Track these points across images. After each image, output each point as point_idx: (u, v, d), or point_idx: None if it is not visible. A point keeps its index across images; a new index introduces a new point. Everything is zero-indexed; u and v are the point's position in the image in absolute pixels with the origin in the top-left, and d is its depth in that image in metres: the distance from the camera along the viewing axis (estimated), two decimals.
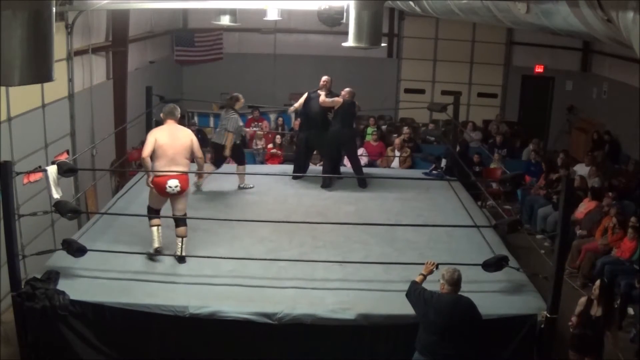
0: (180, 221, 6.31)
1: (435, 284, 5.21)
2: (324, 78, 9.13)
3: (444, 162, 10.21)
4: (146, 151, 6.23)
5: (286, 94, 15.08)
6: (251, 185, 8.77)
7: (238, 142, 8.91)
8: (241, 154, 8.99)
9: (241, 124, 8.90)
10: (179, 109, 6.58)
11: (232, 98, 8.68)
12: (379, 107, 15.31)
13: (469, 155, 12.24)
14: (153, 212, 6.49)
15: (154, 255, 6.33)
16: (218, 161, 8.84)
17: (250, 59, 16.06)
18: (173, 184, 6.14)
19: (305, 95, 9.15)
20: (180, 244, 6.26)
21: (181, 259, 6.27)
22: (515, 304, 5.64)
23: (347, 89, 9.08)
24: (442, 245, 6.83)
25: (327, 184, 8.89)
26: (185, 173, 6.27)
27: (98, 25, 10.50)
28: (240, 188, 8.74)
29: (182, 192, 6.26)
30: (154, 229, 6.38)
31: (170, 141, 6.20)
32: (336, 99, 8.93)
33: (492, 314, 5.45)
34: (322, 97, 8.91)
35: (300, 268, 6.17)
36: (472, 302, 5.14)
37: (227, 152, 8.48)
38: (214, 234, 7.00)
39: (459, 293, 5.18)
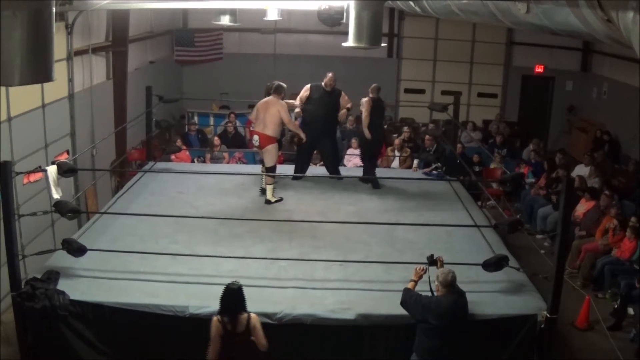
0: (266, 170, 8.25)
1: (425, 284, 5.26)
2: (330, 75, 8.89)
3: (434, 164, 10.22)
4: (251, 116, 8.64)
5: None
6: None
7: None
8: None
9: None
10: (280, 86, 8.23)
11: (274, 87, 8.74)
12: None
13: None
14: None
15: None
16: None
17: (250, 59, 16.06)
18: (255, 138, 8.22)
19: (308, 88, 8.94)
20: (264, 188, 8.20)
21: (266, 202, 8.09)
22: (515, 304, 5.63)
23: (373, 85, 9.02)
24: (442, 245, 6.81)
25: (376, 185, 8.89)
26: (268, 135, 8.06)
27: (98, 25, 10.50)
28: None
29: (261, 147, 8.15)
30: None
31: (264, 108, 8.11)
32: (363, 112, 8.89)
33: (492, 314, 5.45)
34: (344, 112, 9.01)
35: (301, 268, 6.17)
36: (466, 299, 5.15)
37: (303, 136, 8.66)
38: (215, 233, 7.00)
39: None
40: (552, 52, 15.74)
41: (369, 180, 8.96)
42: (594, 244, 8.98)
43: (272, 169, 8.29)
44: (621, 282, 7.97)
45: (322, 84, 8.93)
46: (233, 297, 4.91)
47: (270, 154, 8.23)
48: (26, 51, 3.13)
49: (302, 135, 8.56)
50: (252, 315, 4.94)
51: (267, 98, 8.23)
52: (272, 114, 8.06)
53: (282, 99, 8.27)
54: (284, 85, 8.34)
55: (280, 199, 8.19)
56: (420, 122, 15.96)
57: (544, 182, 11.39)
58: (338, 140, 10.16)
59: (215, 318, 4.94)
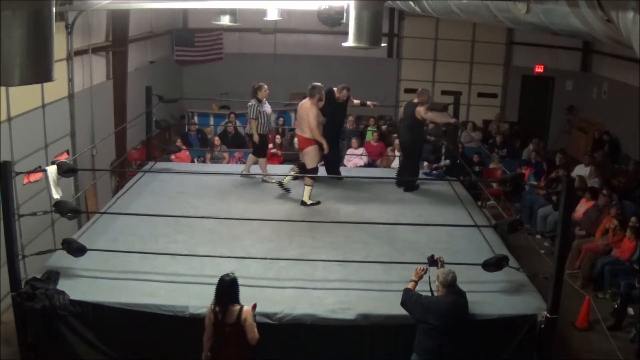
0: (302, 171, 8.38)
1: (425, 284, 5.26)
2: (344, 91, 8.90)
3: (444, 162, 10.21)
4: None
5: (286, 94, 15.09)
6: (273, 181, 8.84)
7: (263, 132, 8.87)
8: (261, 145, 8.96)
9: (267, 111, 8.76)
10: (315, 88, 8.11)
11: (254, 88, 8.73)
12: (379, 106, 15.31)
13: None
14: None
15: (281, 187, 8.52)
16: (255, 151, 8.97)
17: (250, 59, 16.06)
18: (295, 140, 8.80)
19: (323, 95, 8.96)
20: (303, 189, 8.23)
21: (302, 203, 8.10)
22: (515, 304, 5.64)
23: (420, 90, 8.85)
24: (442, 245, 6.82)
25: (405, 186, 8.87)
26: (305, 137, 8.19)
27: (98, 25, 10.50)
28: (263, 181, 8.93)
29: (300, 149, 8.43)
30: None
31: (299, 111, 8.32)
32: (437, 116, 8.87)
33: (492, 314, 5.46)
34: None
35: (301, 268, 6.17)
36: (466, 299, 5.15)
37: (255, 138, 8.71)
38: (215, 233, 7.00)
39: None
40: (552, 52, 15.74)
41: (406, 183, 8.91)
42: (594, 244, 8.98)
43: (312, 171, 8.26)
44: (621, 282, 7.96)
45: (335, 94, 8.94)
46: (225, 289, 5.03)
47: (309, 155, 8.24)
48: (26, 51, 3.13)
49: (325, 146, 8.22)
50: (245, 308, 5.00)
51: (303, 100, 8.29)
52: (303, 118, 8.16)
53: (319, 100, 8.12)
54: (318, 85, 8.18)
55: (318, 202, 8.13)
56: None
57: (543, 182, 11.39)
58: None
59: (209, 306, 5.06)
